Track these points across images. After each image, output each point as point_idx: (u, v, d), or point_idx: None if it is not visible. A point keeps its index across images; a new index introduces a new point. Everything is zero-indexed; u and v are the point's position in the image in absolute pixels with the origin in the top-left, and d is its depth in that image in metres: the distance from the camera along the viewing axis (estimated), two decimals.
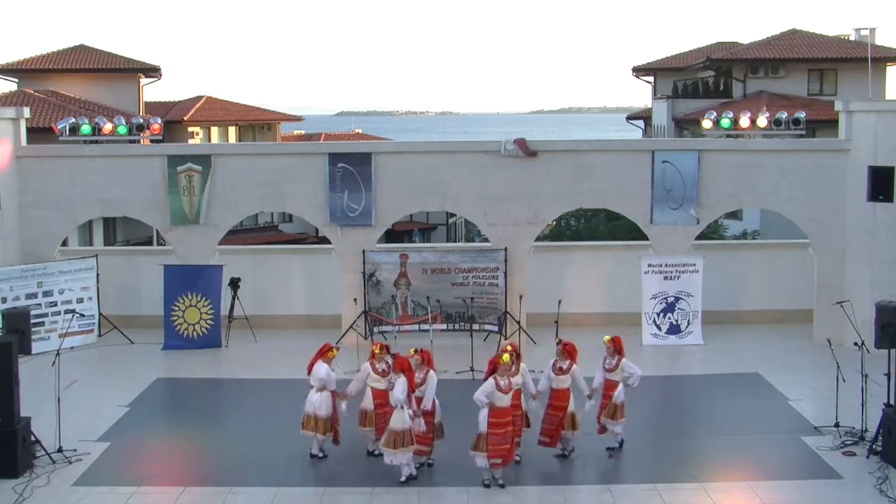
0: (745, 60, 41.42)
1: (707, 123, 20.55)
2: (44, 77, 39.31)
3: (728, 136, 20.30)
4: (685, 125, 39.93)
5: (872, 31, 42.31)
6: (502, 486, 12.30)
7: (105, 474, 12.82)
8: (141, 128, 20.35)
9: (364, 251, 19.51)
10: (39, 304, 18.95)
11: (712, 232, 29.02)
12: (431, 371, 12.88)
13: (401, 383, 12.34)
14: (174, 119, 41.66)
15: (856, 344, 14.09)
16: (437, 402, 12.95)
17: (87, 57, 40.96)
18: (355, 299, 19.40)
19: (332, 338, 19.56)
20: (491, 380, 12.26)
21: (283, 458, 13.20)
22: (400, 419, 12.32)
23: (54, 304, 19.24)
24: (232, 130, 46.46)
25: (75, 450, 13.41)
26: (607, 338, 13.63)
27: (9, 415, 12.59)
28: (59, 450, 13.25)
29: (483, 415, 12.21)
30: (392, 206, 19.87)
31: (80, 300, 19.52)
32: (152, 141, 20.80)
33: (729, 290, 20.88)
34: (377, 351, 13.42)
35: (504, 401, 12.21)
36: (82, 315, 18.75)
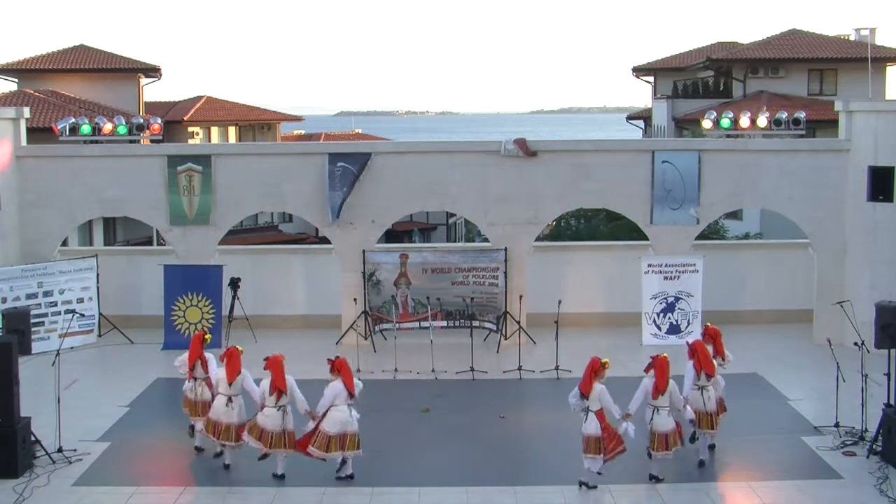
0: (745, 60, 41.43)
1: (707, 123, 20.54)
2: (44, 77, 39.33)
3: (728, 136, 20.27)
4: (685, 125, 39.93)
5: (872, 31, 42.34)
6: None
7: (105, 474, 12.82)
8: (141, 128, 20.34)
9: (364, 251, 19.51)
10: (39, 304, 18.92)
11: (713, 233, 28.99)
12: (336, 381, 12.38)
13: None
14: (174, 119, 41.68)
15: (856, 344, 14.08)
16: (331, 414, 12.28)
17: (87, 57, 40.99)
18: (355, 299, 19.38)
19: (332, 338, 19.65)
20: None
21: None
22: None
23: (54, 304, 19.23)
24: (232, 130, 46.48)
25: (75, 450, 13.40)
26: None
27: (9, 415, 12.57)
28: (59, 450, 13.23)
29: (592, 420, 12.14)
30: (392, 206, 19.88)
31: (80, 300, 19.50)
32: (152, 141, 20.78)
33: (729, 290, 20.86)
34: None
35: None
36: (82, 315, 18.71)
